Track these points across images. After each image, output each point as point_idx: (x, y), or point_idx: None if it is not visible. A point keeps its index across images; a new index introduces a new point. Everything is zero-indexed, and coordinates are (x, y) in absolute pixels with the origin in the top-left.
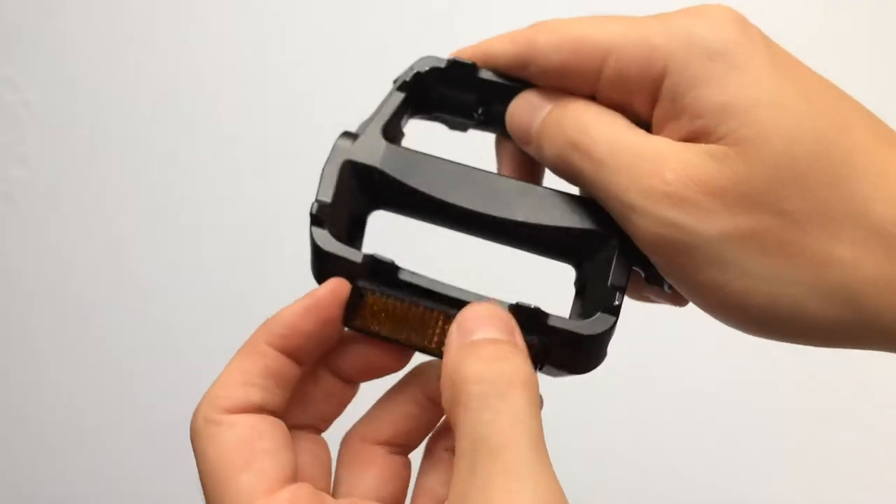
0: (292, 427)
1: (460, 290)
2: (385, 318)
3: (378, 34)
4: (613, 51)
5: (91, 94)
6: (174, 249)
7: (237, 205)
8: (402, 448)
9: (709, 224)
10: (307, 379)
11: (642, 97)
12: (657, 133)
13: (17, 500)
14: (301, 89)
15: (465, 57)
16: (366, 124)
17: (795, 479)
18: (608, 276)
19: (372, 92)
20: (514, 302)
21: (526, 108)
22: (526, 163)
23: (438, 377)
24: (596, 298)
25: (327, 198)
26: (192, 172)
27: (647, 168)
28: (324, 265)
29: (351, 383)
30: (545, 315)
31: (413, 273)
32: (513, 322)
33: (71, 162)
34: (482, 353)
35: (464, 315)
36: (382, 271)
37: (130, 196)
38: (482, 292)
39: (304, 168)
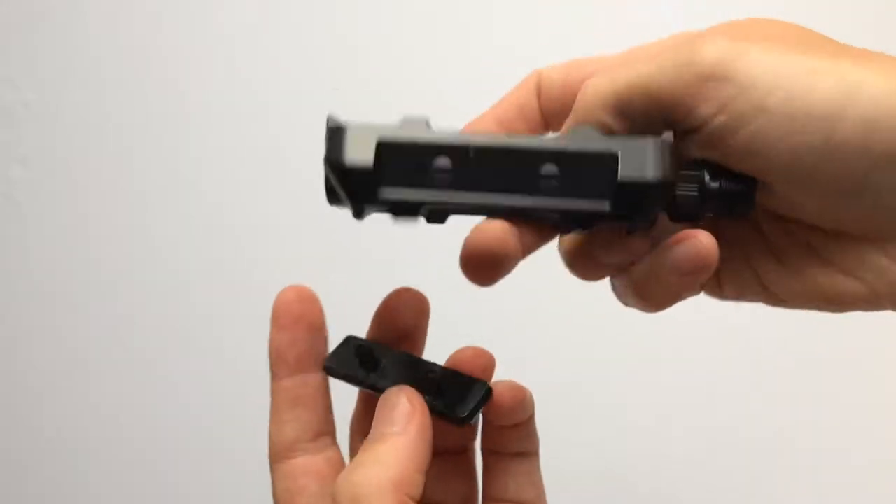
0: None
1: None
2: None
3: (378, 35)
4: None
5: (91, 94)
6: (174, 249)
7: (237, 204)
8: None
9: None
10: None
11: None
12: None
13: (17, 499)
14: (301, 90)
15: None
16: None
17: (795, 478)
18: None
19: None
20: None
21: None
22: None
23: None
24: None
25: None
26: (192, 172)
27: (684, 39)
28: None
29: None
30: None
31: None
32: (415, 402)
33: (71, 162)
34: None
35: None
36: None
37: (130, 196)
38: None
39: (303, 168)
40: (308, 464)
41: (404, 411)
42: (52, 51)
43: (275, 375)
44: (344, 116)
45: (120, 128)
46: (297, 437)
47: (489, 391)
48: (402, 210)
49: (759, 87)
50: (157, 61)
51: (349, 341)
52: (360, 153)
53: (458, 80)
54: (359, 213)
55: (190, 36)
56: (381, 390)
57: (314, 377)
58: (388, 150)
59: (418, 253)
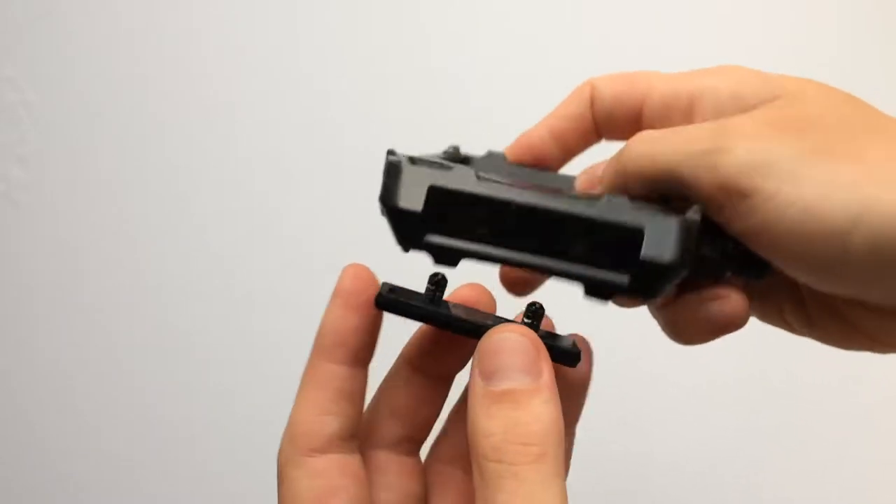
0: (385, 447)
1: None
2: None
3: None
4: (652, 91)
5: (91, 94)
6: (174, 249)
7: (237, 204)
8: (417, 444)
9: (781, 146)
10: (396, 387)
11: (683, 119)
12: None
13: (17, 500)
14: (302, 90)
15: (510, 148)
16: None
17: (794, 478)
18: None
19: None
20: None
21: (587, 179)
22: None
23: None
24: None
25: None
26: (192, 172)
27: (711, 127)
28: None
29: (443, 379)
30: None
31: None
32: (534, 349)
33: (71, 162)
34: (499, 413)
35: (482, 348)
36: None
37: (130, 196)
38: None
39: (304, 169)
40: (347, 463)
41: (531, 354)
42: (52, 51)
43: (325, 356)
44: (402, 150)
45: (120, 128)
46: (338, 432)
47: (575, 344)
48: (443, 257)
49: (779, 200)
50: (158, 61)
51: (383, 287)
52: (411, 197)
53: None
54: (406, 250)
55: (191, 36)
56: (462, 327)
57: (364, 374)
58: (437, 196)
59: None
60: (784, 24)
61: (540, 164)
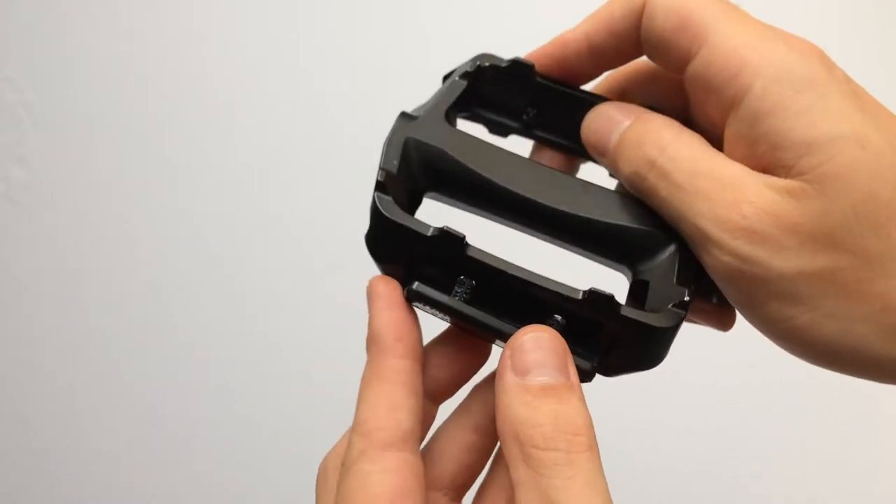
0: (436, 489)
1: (531, 276)
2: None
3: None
4: (707, 43)
5: (91, 94)
6: (174, 249)
7: (237, 204)
8: (462, 490)
9: (784, 260)
10: (447, 435)
11: (716, 103)
12: (727, 150)
13: (17, 500)
14: (302, 90)
15: (541, 54)
16: (426, 109)
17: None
18: (673, 274)
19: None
20: (586, 288)
21: (604, 122)
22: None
23: (491, 403)
24: (661, 295)
25: (392, 167)
26: (191, 172)
27: (726, 198)
28: (386, 235)
29: (434, 402)
30: (618, 305)
31: (481, 251)
32: (565, 350)
33: (71, 162)
34: (543, 406)
35: (516, 346)
36: (449, 247)
37: (130, 196)
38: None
39: (304, 169)
40: (417, 466)
41: (563, 354)
42: (52, 51)
43: (387, 353)
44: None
45: (120, 128)
46: (412, 428)
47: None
48: (426, 303)
49: (797, 323)
50: (158, 61)
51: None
52: (390, 256)
53: None
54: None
55: (191, 36)
56: (486, 325)
57: (420, 369)
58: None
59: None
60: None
61: (569, 76)
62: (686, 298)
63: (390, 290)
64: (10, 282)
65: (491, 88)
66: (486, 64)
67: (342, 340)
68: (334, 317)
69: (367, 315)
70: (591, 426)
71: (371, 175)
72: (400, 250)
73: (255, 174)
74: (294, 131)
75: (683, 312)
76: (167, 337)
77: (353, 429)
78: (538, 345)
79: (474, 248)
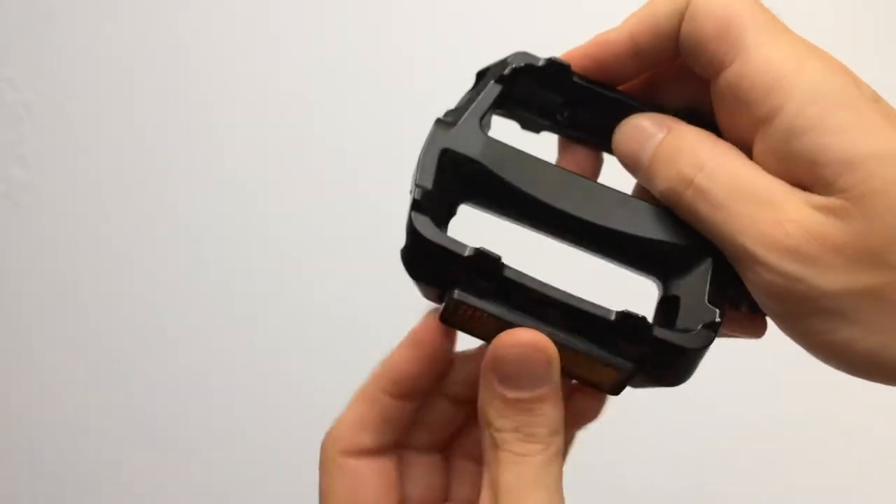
0: (415, 449)
1: (565, 296)
2: (479, 326)
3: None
4: (741, 55)
5: (91, 94)
6: (174, 249)
7: (238, 204)
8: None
9: (829, 279)
10: (424, 406)
11: (748, 116)
12: (758, 160)
13: (16, 500)
14: (303, 90)
15: (581, 53)
16: (460, 114)
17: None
18: (705, 292)
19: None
20: (620, 310)
21: (636, 134)
22: (590, 170)
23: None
24: (692, 313)
25: (428, 184)
26: (191, 172)
27: (768, 217)
28: (423, 255)
29: (462, 404)
30: (650, 326)
31: (518, 272)
32: (547, 361)
33: (71, 162)
34: (510, 415)
35: (499, 355)
36: (485, 268)
37: (130, 196)
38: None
39: (305, 169)
40: (378, 466)
41: (542, 365)
42: (52, 51)
43: (380, 386)
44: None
45: (120, 128)
46: (372, 447)
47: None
48: (445, 320)
49: (839, 337)
50: (158, 61)
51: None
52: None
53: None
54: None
55: (191, 36)
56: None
57: (412, 407)
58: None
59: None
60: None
61: (608, 77)
62: (717, 320)
63: (426, 337)
64: (10, 282)
65: (526, 88)
66: (522, 64)
67: (340, 341)
68: (333, 317)
69: (359, 318)
70: (553, 431)
71: (366, 175)
72: (437, 268)
73: (255, 174)
74: (295, 130)
75: (713, 334)
76: (167, 336)
77: (329, 429)
78: (520, 359)
79: (510, 268)
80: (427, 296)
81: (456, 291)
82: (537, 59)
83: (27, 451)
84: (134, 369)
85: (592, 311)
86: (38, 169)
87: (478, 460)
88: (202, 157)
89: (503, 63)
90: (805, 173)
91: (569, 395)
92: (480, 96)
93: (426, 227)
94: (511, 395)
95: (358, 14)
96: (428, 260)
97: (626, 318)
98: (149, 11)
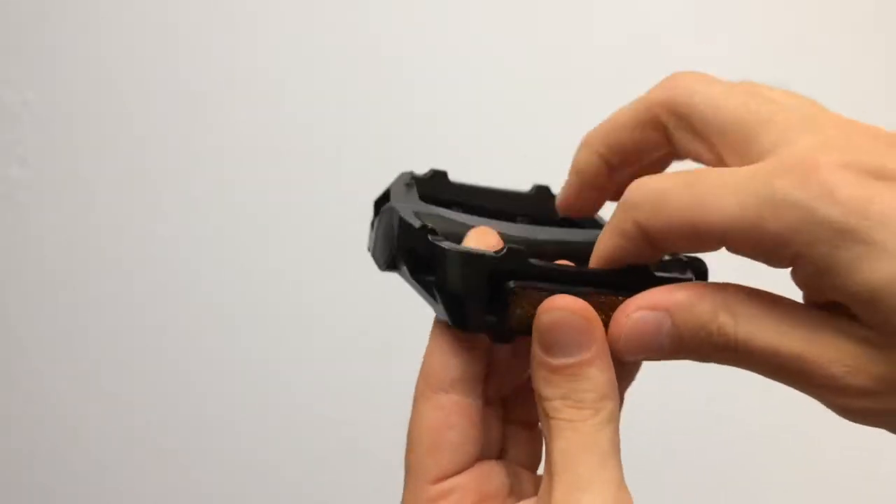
0: (484, 400)
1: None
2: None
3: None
4: (727, 237)
5: (91, 94)
6: (174, 250)
7: (238, 204)
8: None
9: (887, 403)
10: (493, 358)
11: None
12: (797, 282)
13: (18, 499)
14: (303, 90)
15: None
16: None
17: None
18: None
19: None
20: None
21: (647, 318)
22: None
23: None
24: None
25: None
26: (192, 172)
27: (814, 370)
28: (464, 269)
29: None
30: (651, 272)
31: (542, 263)
32: (587, 325)
33: (71, 162)
34: (558, 383)
35: (540, 325)
36: (519, 261)
37: (130, 196)
38: None
39: (306, 170)
40: (464, 405)
41: (583, 329)
42: (51, 51)
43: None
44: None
45: (120, 127)
46: (460, 375)
47: None
48: (500, 336)
49: None
50: (158, 61)
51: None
52: (474, 284)
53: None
54: (464, 328)
55: (191, 36)
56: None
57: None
58: (498, 280)
59: None
60: (789, 26)
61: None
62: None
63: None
64: (10, 281)
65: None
66: (409, 178)
67: (339, 341)
68: (332, 317)
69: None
70: (602, 396)
71: (364, 176)
72: (491, 291)
73: (256, 173)
74: (296, 130)
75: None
76: (169, 335)
77: (420, 369)
78: (557, 323)
79: (535, 261)
80: (477, 324)
81: (512, 282)
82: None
83: (27, 451)
84: (134, 369)
85: (606, 272)
86: (38, 169)
87: (531, 427)
88: (202, 157)
89: (397, 182)
90: (837, 306)
91: None
92: (403, 195)
93: (452, 246)
94: (555, 362)
95: (358, 14)
96: (471, 271)
97: (632, 269)
98: (149, 11)
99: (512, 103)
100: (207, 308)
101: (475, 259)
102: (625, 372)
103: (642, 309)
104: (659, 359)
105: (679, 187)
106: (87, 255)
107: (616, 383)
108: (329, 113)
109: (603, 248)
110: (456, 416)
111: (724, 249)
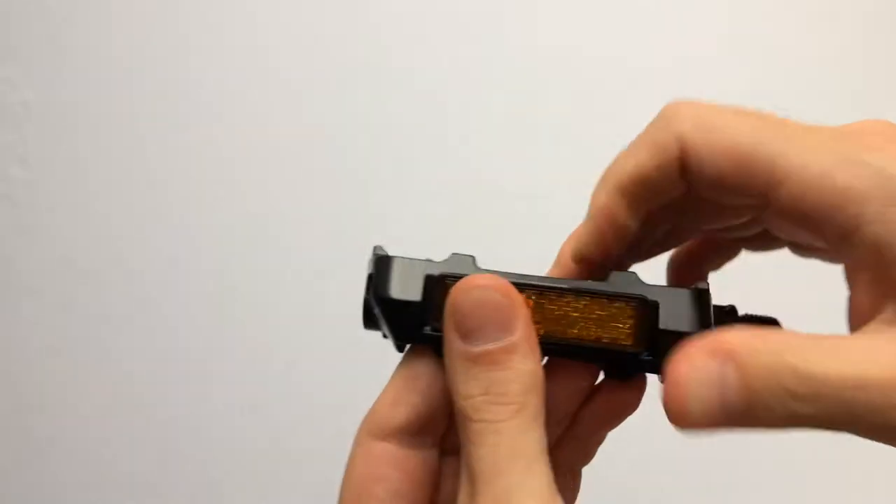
0: (454, 454)
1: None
2: (555, 320)
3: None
4: (788, 180)
5: (91, 93)
6: (174, 250)
7: (238, 204)
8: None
9: None
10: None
11: (821, 235)
12: (850, 276)
13: (15, 500)
14: (303, 91)
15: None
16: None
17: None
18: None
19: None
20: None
21: (701, 383)
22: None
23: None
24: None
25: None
26: (192, 172)
27: (877, 401)
28: (397, 270)
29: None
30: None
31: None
32: (508, 303)
33: (71, 162)
34: (479, 375)
35: (457, 306)
36: (463, 265)
37: (130, 196)
38: None
39: (307, 170)
40: (403, 457)
41: (506, 308)
42: (52, 51)
43: (411, 354)
44: (388, 249)
45: (120, 127)
46: (403, 424)
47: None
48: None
49: None
50: (158, 61)
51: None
52: (407, 288)
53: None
54: (400, 348)
55: (191, 37)
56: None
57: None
58: (434, 286)
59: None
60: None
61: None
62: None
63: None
64: (10, 281)
65: None
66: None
67: (339, 342)
68: (332, 318)
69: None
70: (526, 389)
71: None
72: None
73: (256, 173)
74: (297, 131)
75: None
76: (167, 336)
77: (368, 411)
78: (478, 303)
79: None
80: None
81: (449, 278)
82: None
83: (23, 452)
84: (134, 370)
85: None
86: (38, 169)
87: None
88: (202, 157)
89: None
90: None
91: (598, 390)
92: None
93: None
94: (476, 349)
95: (358, 14)
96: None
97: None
98: (149, 11)
99: (512, 104)
100: (207, 307)
101: (412, 263)
102: (625, 401)
103: (698, 352)
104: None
105: (740, 115)
106: (87, 255)
107: (542, 376)
108: (329, 113)
109: (624, 163)
110: (387, 467)
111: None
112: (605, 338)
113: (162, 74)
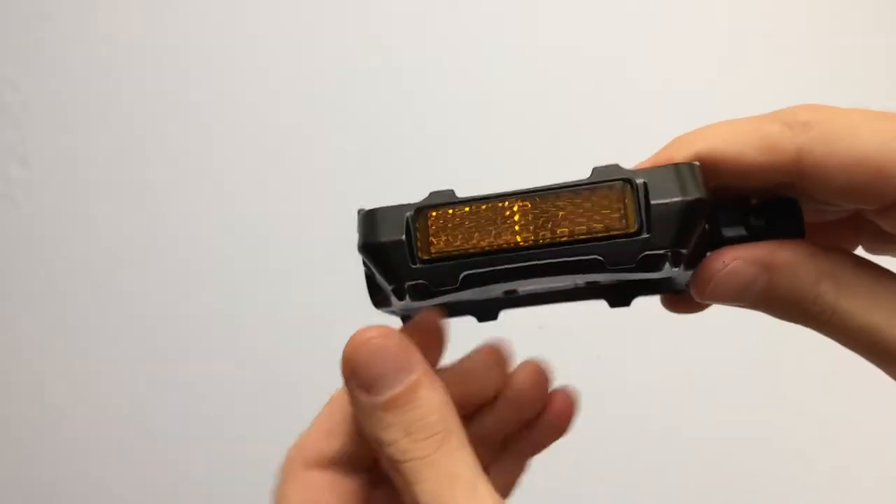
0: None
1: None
2: (457, 232)
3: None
4: None
5: (90, 94)
6: (174, 250)
7: (238, 204)
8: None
9: None
10: None
11: None
12: None
13: (16, 500)
14: (304, 93)
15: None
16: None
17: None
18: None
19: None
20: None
21: (743, 270)
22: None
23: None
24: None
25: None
26: (192, 172)
27: None
28: (382, 216)
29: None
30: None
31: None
32: (402, 347)
33: (71, 162)
34: (394, 420)
35: (356, 361)
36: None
37: (130, 196)
38: None
39: (307, 171)
40: (340, 483)
41: (401, 352)
42: (51, 50)
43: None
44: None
45: (120, 127)
46: (337, 454)
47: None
48: (440, 281)
49: None
50: (157, 60)
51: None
52: (391, 230)
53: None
54: (400, 293)
55: (190, 37)
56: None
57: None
58: (414, 220)
59: None
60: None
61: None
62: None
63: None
64: (10, 281)
65: None
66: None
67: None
68: (331, 319)
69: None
70: (443, 417)
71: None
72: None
73: (255, 173)
74: (297, 130)
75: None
76: (168, 335)
77: (295, 440)
78: (372, 354)
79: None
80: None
81: (428, 208)
82: None
83: (23, 452)
84: (135, 369)
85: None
86: (38, 169)
87: None
88: (202, 157)
89: None
90: None
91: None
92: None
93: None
94: (383, 398)
95: (358, 14)
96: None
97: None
98: (148, 12)
99: (512, 104)
100: (207, 307)
101: (394, 208)
102: (516, 467)
103: (740, 259)
104: (735, 306)
105: (870, 121)
106: (87, 255)
107: (450, 399)
108: (329, 114)
109: (721, 143)
110: (327, 494)
111: None
112: (598, 227)
113: (162, 74)
